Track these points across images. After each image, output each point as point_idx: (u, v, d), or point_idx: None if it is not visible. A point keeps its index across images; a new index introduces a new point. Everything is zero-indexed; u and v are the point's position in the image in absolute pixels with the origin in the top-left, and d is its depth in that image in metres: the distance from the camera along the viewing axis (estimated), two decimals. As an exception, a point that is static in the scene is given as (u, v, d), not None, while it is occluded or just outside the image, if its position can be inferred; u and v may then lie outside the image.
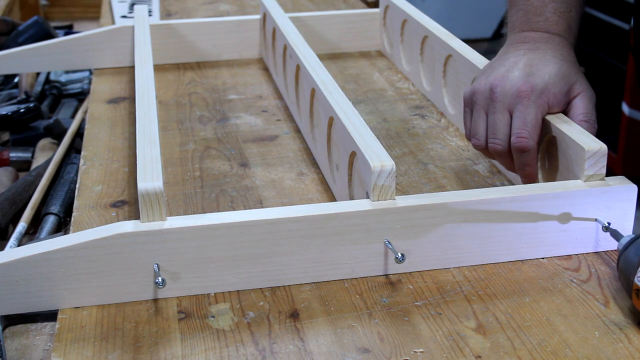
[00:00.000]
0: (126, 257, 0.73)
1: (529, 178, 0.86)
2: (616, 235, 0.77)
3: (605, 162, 0.80)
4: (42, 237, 0.97)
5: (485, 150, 0.88)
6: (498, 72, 0.87)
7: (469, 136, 0.90)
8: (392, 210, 0.76)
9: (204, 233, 0.74)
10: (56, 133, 1.22)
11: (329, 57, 1.40)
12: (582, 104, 0.87)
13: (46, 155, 1.18)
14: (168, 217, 0.74)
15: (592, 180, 0.80)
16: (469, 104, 0.89)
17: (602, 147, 0.80)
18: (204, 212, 0.90)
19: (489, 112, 0.86)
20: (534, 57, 0.87)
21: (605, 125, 2.68)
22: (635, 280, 0.69)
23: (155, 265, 0.74)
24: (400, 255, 0.75)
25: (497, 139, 0.85)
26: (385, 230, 0.77)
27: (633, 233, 0.79)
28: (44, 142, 1.22)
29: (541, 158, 0.89)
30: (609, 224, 0.79)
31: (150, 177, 0.75)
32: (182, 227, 0.73)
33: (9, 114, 1.24)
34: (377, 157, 0.78)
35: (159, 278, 0.73)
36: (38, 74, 1.46)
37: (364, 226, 0.76)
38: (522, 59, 0.87)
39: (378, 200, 0.77)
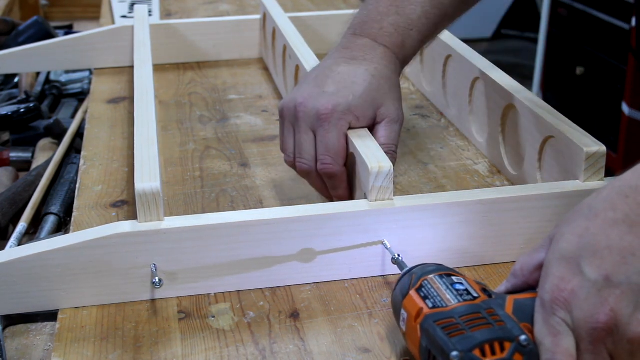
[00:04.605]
0: (124, 258, 0.73)
1: (341, 199, 0.84)
2: (401, 267, 0.73)
3: (604, 163, 0.80)
4: (42, 237, 0.97)
5: (295, 167, 0.86)
6: (307, 87, 0.86)
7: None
8: (390, 211, 0.76)
9: (201, 233, 0.74)
10: (56, 133, 1.22)
11: (329, 57, 1.40)
12: (385, 132, 0.86)
13: (46, 155, 1.18)
14: (166, 218, 0.74)
15: (591, 181, 0.80)
16: (281, 118, 0.88)
17: (601, 148, 0.80)
18: (204, 212, 0.90)
19: (295, 130, 0.85)
20: (345, 71, 0.85)
21: (605, 125, 2.68)
22: (400, 324, 0.65)
23: (152, 266, 0.74)
24: (397, 255, 0.75)
25: (303, 159, 0.84)
26: (384, 231, 0.77)
27: None
28: (44, 142, 1.22)
29: (539, 159, 0.89)
30: (399, 255, 0.75)
31: (148, 177, 0.75)
32: (180, 228, 0.73)
33: (9, 114, 1.24)
34: (375, 158, 0.78)
35: (156, 278, 0.73)
36: (38, 74, 1.46)
37: (362, 227, 0.76)
38: (334, 72, 0.86)
39: (376, 201, 0.77)
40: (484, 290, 0.64)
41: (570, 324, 0.58)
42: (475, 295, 0.62)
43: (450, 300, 0.62)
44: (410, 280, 0.66)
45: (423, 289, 0.64)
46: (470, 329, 0.59)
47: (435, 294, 0.63)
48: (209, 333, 0.71)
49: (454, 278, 0.65)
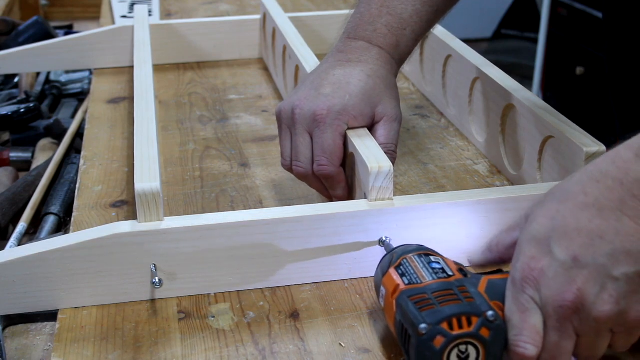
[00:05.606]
0: (123, 258, 0.73)
1: (340, 200, 0.85)
2: (388, 248, 0.75)
3: (604, 163, 0.80)
4: (42, 237, 0.97)
5: (292, 171, 0.87)
6: (303, 90, 0.86)
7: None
8: (389, 210, 0.76)
9: (201, 233, 0.74)
10: (56, 133, 1.22)
11: (329, 57, 1.40)
12: (384, 131, 0.86)
13: (46, 155, 1.18)
14: (165, 218, 0.74)
15: (591, 180, 0.80)
16: (278, 122, 0.88)
17: (600, 148, 0.80)
18: (204, 212, 0.90)
19: (292, 133, 0.85)
20: (341, 73, 0.86)
21: (605, 125, 2.68)
22: (380, 300, 0.68)
23: (152, 266, 0.74)
24: (385, 238, 0.76)
25: (299, 161, 0.85)
26: (383, 231, 0.77)
27: None
28: (44, 142, 1.22)
29: (539, 159, 0.89)
30: (386, 237, 0.77)
31: (148, 177, 0.75)
32: (179, 228, 0.73)
33: (9, 114, 1.24)
34: (375, 158, 0.79)
35: (156, 278, 0.73)
36: (38, 74, 1.46)
37: (362, 226, 0.76)
38: (329, 74, 0.86)
39: (376, 201, 0.77)
40: (461, 270, 0.66)
41: (539, 302, 0.60)
42: (450, 273, 0.65)
43: (425, 277, 0.65)
44: (391, 259, 0.68)
45: (401, 267, 0.67)
46: (440, 304, 0.62)
47: (412, 271, 0.66)
48: (208, 333, 0.71)
49: (431, 257, 0.67)
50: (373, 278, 0.78)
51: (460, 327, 0.60)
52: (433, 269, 0.65)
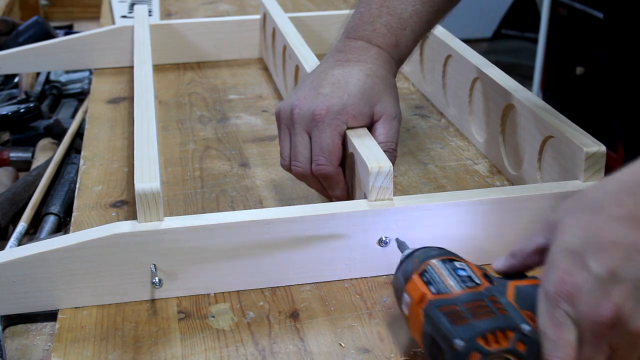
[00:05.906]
0: (123, 258, 0.73)
1: (339, 200, 0.84)
2: (403, 248, 0.73)
3: (604, 163, 0.80)
4: (42, 237, 0.97)
5: (291, 171, 0.86)
6: (302, 90, 0.86)
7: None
8: (389, 211, 0.76)
9: (200, 233, 0.74)
10: (56, 133, 1.22)
11: (329, 57, 1.40)
12: (384, 130, 0.86)
13: (46, 155, 1.18)
14: (165, 218, 0.74)
15: (591, 181, 0.80)
16: (277, 122, 0.88)
17: (600, 148, 0.80)
18: (204, 212, 0.90)
19: (291, 133, 0.85)
20: (340, 73, 0.86)
21: (605, 126, 2.68)
22: (402, 307, 0.66)
23: (152, 266, 0.74)
24: (384, 237, 0.76)
25: (298, 161, 0.84)
26: (383, 231, 0.77)
27: None
28: (44, 142, 1.22)
29: (539, 159, 0.89)
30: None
31: (148, 177, 0.75)
32: (179, 228, 0.73)
33: (9, 114, 1.24)
34: (375, 158, 0.79)
35: (156, 278, 0.73)
36: (38, 74, 1.46)
37: (362, 227, 0.76)
38: (328, 74, 0.86)
39: (376, 201, 0.77)
40: (485, 275, 0.64)
41: (573, 316, 0.59)
42: (478, 282, 0.63)
43: (453, 286, 0.62)
44: (413, 263, 0.66)
45: (426, 274, 0.64)
46: (474, 317, 0.59)
47: (438, 279, 0.63)
48: (208, 333, 0.71)
49: (456, 263, 0.65)
50: (371, 278, 0.78)
51: (497, 342, 0.58)
52: (460, 276, 0.63)
